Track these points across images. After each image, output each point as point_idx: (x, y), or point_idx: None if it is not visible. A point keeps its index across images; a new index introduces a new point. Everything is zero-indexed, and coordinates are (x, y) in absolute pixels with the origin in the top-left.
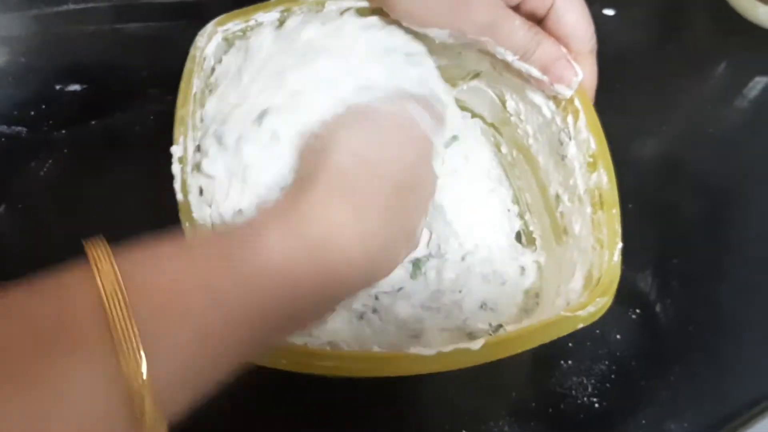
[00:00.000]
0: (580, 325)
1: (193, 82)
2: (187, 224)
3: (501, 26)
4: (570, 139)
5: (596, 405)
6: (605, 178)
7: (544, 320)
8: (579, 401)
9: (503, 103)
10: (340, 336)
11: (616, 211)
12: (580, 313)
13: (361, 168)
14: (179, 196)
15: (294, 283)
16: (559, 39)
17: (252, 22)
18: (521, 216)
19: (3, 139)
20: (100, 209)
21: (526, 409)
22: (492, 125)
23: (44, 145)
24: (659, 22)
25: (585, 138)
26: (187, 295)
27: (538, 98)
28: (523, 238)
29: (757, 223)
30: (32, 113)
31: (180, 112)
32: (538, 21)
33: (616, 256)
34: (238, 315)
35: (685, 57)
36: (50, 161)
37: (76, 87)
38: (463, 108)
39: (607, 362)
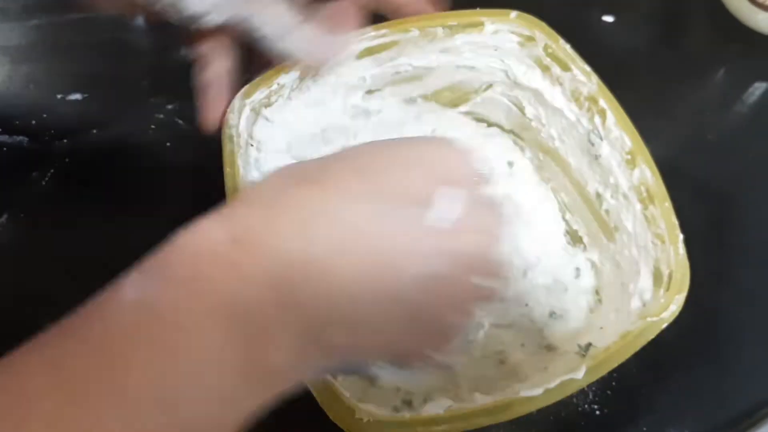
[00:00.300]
0: (665, 325)
1: (237, 162)
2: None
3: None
4: (601, 139)
5: (597, 412)
6: (648, 173)
7: (632, 331)
8: (580, 408)
9: (521, 109)
10: (418, 379)
11: (668, 204)
12: (665, 315)
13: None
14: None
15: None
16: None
17: (275, 86)
18: (562, 216)
19: (4, 149)
20: (102, 219)
21: (527, 417)
22: (511, 131)
23: (46, 154)
24: (658, 29)
25: (617, 136)
26: None
27: (558, 101)
28: (568, 238)
29: (757, 228)
30: (33, 123)
31: (226, 169)
32: None
33: (681, 249)
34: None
35: (685, 63)
36: (52, 171)
37: (77, 96)
38: (478, 119)
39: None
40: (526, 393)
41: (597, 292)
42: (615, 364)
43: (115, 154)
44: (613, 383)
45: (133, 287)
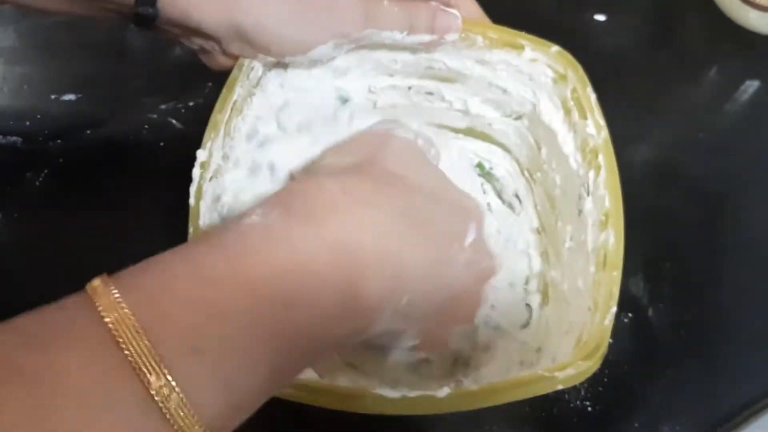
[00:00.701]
0: (560, 387)
1: (235, 89)
2: (191, 229)
3: (375, 14)
4: (588, 194)
5: (589, 409)
6: (612, 239)
7: (520, 377)
8: (572, 405)
9: (539, 148)
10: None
11: (617, 273)
12: (559, 374)
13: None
14: (192, 201)
15: (315, 278)
16: None
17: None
18: (540, 268)
19: None
20: (96, 219)
21: (520, 413)
22: (528, 170)
23: (40, 155)
24: (650, 28)
25: (602, 195)
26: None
27: (568, 148)
28: (537, 288)
29: (749, 227)
30: (27, 123)
31: (215, 117)
32: None
33: (608, 320)
34: (259, 324)
35: (677, 62)
36: (46, 171)
37: (71, 97)
38: (499, 144)
39: (599, 366)
40: (383, 392)
41: (539, 350)
42: (487, 403)
43: (109, 154)
44: (605, 380)
45: (257, 215)
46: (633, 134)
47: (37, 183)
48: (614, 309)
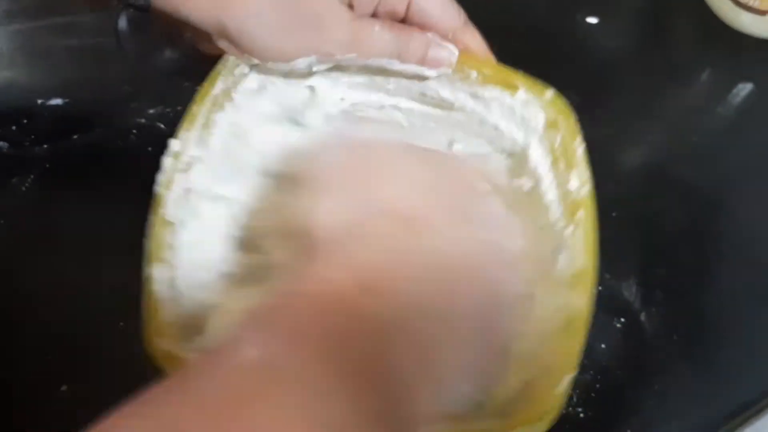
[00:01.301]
0: None
1: (216, 83)
2: (154, 218)
3: (362, 39)
4: (560, 252)
5: (581, 415)
6: (580, 303)
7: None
8: (564, 411)
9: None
10: None
11: (579, 340)
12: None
13: None
14: (158, 189)
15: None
16: (427, 27)
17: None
18: None
19: None
20: (83, 224)
21: None
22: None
23: (26, 160)
24: (642, 30)
25: (576, 253)
26: None
27: (550, 196)
28: None
29: (742, 230)
30: (14, 128)
31: (193, 109)
32: (401, 19)
33: (560, 388)
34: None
35: (669, 65)
36: (32, 176)
37: (58, 101)
38: None
39: (591, 372)
40: None
41: None
42: None
43: (96, 159)
44: (597, 385)
45: (252, 344)
46: (625, 136)
47: (24, 188)
48: (571, 376)
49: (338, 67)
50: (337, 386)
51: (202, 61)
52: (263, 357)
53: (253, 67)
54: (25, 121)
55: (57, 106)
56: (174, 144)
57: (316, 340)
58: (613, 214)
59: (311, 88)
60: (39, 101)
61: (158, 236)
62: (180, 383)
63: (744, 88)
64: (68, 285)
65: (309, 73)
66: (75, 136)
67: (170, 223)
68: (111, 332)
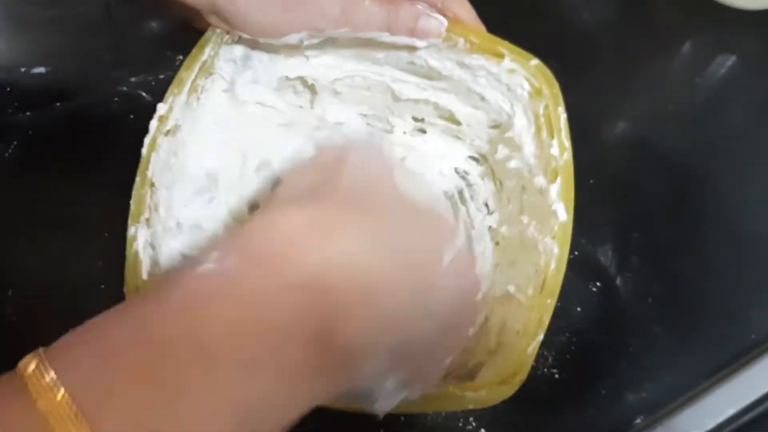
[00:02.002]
0: (471, 406)
1: (205, 49)
2: (138, 179)
3: (353, 12)
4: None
5: (556, 376)
6: (554, 266)
7: (428, 394)
8: (539, 372)
9: (510, 160)
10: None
11: (551, 301)
12: (470, 393)
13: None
14: (144, 151)
15: (280, 331)
16: None
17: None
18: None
19: None
20: (65, 191)
21: None
22: (499, 180)
23: (9, 127)
24: (622, 3)
25: (553, 211)
26: None
27: (533, 163)
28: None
29: (718, 200)
30: None
31: (182, 74)
32: None
33: (531, 348)
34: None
35: (650, 36)
36: (15, 143)
37: (40, 69)
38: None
39: (567, 334)
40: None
41: None
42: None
43: (79, 126)
44: (573, 348)
45: (211, 262)
46: (605, 107)
47: (6, 155)
48: (541, 337)
49: (329, 41)
50: (284, 297)
51: (186, 32)
52: (217, 268)
53: (241, 40)
54: (8, 89)
55: (40, 74)
56: (161, 107)
57: (269, 258)
58: (591, 181)
59: (306, 57)
60: (22, 69)
61: (140, 197)
62: (152, 292)
63: (726, 60)
64: (49, 250)
65: (299, 48)
66: (57, 104)
67: (153, 184)
68: (93, 296)
